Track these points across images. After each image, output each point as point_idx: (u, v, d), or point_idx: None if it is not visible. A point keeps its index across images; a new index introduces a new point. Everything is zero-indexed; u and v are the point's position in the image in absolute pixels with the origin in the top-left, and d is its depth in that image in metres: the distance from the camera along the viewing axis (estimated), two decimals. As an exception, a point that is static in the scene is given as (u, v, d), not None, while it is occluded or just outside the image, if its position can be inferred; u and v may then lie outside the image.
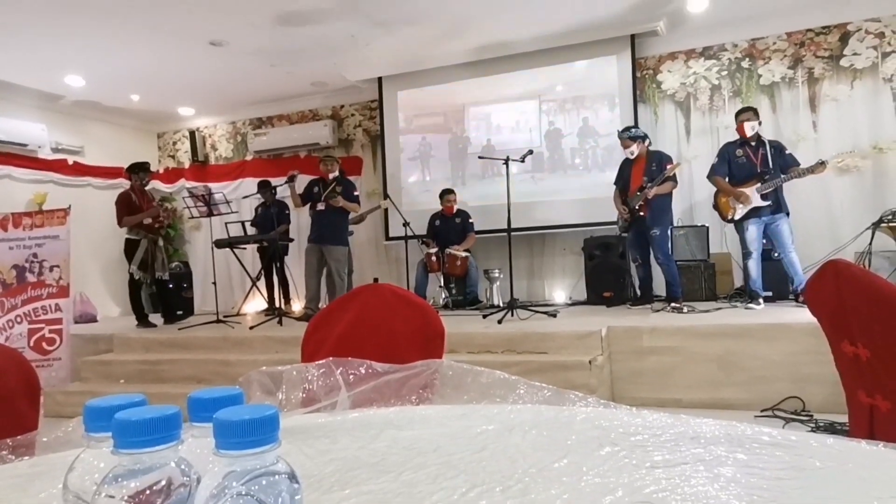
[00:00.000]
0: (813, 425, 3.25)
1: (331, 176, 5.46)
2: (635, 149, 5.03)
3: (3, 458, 0.74)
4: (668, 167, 4.89)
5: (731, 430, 0.68)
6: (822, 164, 4.48)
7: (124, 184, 7.66)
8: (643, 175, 4.98)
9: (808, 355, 3.47)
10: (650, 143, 5.23)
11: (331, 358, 0.80)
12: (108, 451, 0.33)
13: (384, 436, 0.74)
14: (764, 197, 4.62)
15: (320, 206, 5.39)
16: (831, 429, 3.12)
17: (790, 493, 0.51)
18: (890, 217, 4.92)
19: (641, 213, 4.99)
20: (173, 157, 8.77)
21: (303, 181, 5.94)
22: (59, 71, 6.32)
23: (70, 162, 7.49)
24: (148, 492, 0.32)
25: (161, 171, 8.56)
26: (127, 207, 5.71)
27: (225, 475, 0.31)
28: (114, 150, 8.04)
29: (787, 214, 4.73)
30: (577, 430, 0.72)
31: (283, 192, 6.06)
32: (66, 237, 5.28)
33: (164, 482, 0.32)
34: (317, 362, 0.80)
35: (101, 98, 7.35)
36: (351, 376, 0.79)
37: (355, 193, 5.64)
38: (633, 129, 5.20)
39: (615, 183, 5.30)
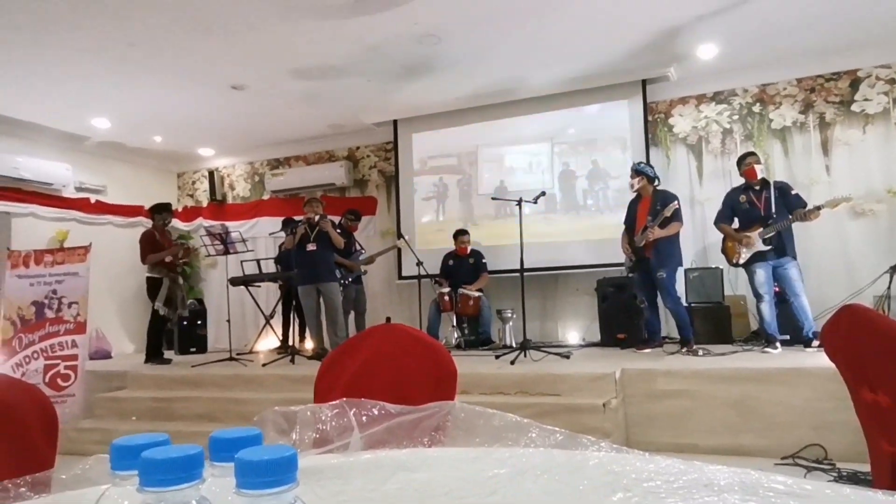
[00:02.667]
0: (836, 474, 3.15)
1: (316, 218, 5.53)
2: (636, 183, 5.03)
3: (22, 495, 0.75)
4: (667, 208, 4.80)
5: (745, 477, 0.68)
6: (816, 210, 4.48)
7: (144, 222, 7.84)
8: (647, 214, 4.96)
9: (830, 401, 3.39)
10: (658, 184, 5.20)
11: (344, 399, 0.81)
12: (133, 488, 0.34)
13: (396, 478, 0.74)
14: (766, 241, 4.60)
15: (311, 247, 5.45)
16: (854, 478, 3.03)
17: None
18: (908, 261, 4.87)
19: (646, 255, 4.94)
20: (192, 195, 8.95)
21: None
22: (86, 113, 6.55)
23: (92, 200, 7.68)
24: (171, 528, 0.33)
25: (179, 209, 8.73)
26: (151, 245, 5.83)
27: (245, 513, 0.32)
28: (135, 190, 8.24)
29: (795, 258, 4.68)
30: (588, 476, 0.72)
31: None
32: (86, 274, 5.37)
33: (186, 519, 0.33)
34: (330, 403, 0.81)
35: (125, 139, 7.58)
36: (364, 417, 0.80)
37: (338, 230, 5.71)
38: (642, 165, 5.17)
39: (624, 223, 5.30)
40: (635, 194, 5.13)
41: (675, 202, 4.83)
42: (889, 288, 5.12)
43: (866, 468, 2.05)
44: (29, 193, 6.84)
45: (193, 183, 8.96)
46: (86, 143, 7.45)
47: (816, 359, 3.90)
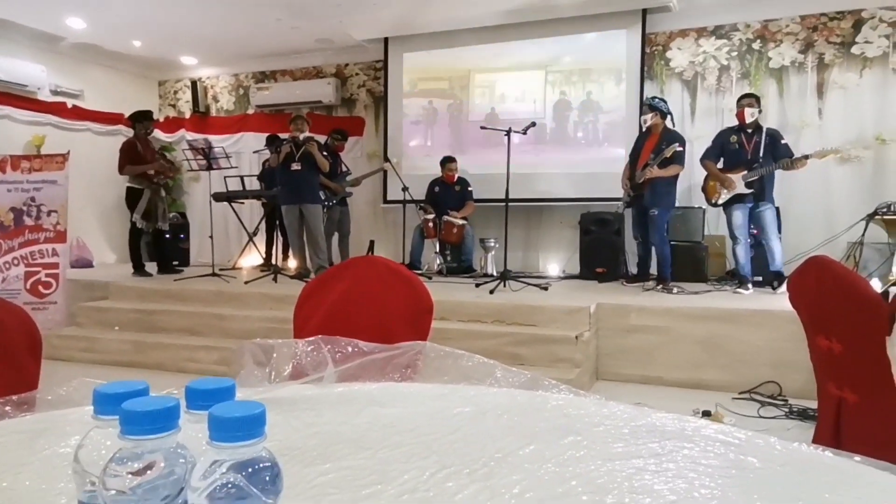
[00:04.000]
0: (787, 410, 3.35)
1: (301, 136, 5.43)
2: (649, 119, 4.96)
3: (7, 412, 0.79)
4: (668, 149, 4.82)
5: (684, 424, 0.73)
6: (804, 159, 4.50)
7: (124, 130, 7.64)
8: (651, 152, 4.95)
9: (789, 342, 3.54)
10: (671, 120, 5.11)
11: (320, 336, 0.84)
12: (114, 431, 0.38)
13: (366, 412, 0.79)
14: (748, 185, 4.64)
15: (295, 167, 5.37)
16: (804, 414, 3.23)
17: (727, 490, 0.56)
18: (885, 210, 4.96)
19: (643, 191, 4.97)
20: (174, 106, 8.69)
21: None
22: (60, 11, 6.22)
23: (69, 105, 7.43)
24: (149, 471, 0.36)
25: (161, 119, 8.49)
26: (131, 156, 5.72)
27: (216, 462, 0.35)
28: (114, 96, 7.97)
29: (773, 203, 4.75)
30: (545, 418, 0.77)
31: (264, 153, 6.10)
32: (65, 183, 5.28)
33: (163, 463, 0.37)
34: (307, 339, 0.85)
35: (102, 42, 7.25)
36: (338, 354, 0.84)
37: (324, 153, 5.62)
38: (655, 99, 5.08)
39: (629, 155, 5.26)
40: (645, 129, 5.07)
41: (679, 144, 4.80)
42: (863, 235, 5.23)
43: (815, 405, 2.20)
44: (2, 94, 6.60)
45: (175, 93, 8.67)
46: (61, 44, 7.12)
47: (781, 301, 4.03)
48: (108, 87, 7.92)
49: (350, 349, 0.85)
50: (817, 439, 2.11)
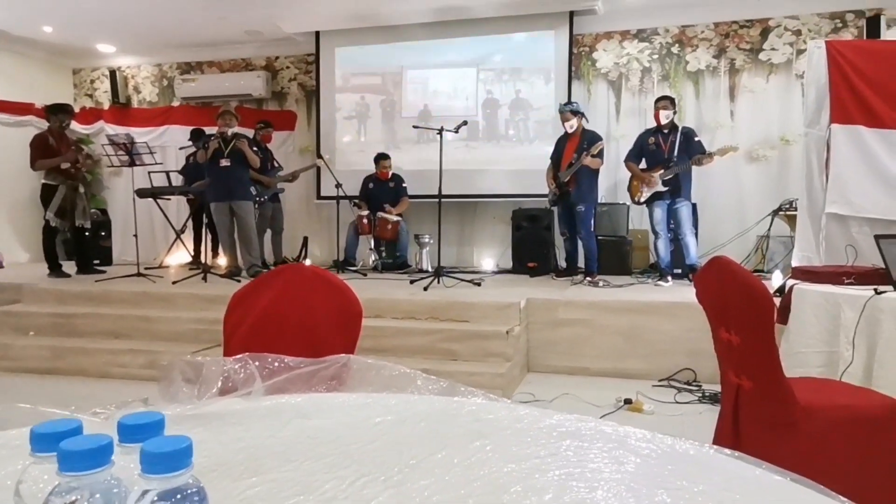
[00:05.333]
0: (700, 395, 3.61)
1: (230, 132, 5.33)
2: (575, 123, 5.19)
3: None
4: (596, 145, 5.06)
5: (581, 425, 0.83)
6: (709, 156, 4.84)
7: (36, 121, 7.20)
8: (574, 152, 5.17)
9: (703, 332, 3.74)
10: (587, 122, 5.39)
11: (247, 353, 0.88)
12: (51, 467, 0.42)
13: (292, 425, 0.84)
14: (665, 183, 4.94)
15: (224, 163, 5.28)
16: (715, 398, 3.49)
17: (608, 481, 0.65)
18: (787, 206, 5.38)
19: (569, 189, 5.19)
20: (90, 96, 8.26)
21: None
22: (-39, -6, 5.79)
23: (-27, 94, 6.94)
24: (85, 503, 0.41)
25: (77, 110, 8.05)
26: (42, 150, 5.40)
27: (146, 491, 0.40)
28: (23, 84, 7.50)
29: (689, 199, 5.07)
30: (459, 424, 0.85)
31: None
32: (-29, 179, 4.95)
33: (98, 495, 0.41)
34: (234, 357, 0.89)
35: (9, 27, 6.81)
36: (265, 370, 0.89)
37: (254, 149, 5.55)
38: (575, 104, 5.35)
39: (551, 157, 5.47)
40: (565, 132, 5.27)
41: (601, 142, 5.11)
42: (769, 229, 5.66)
43: (722, 392, 2.40)
44: None
45: (92, 82, 8.24)
46: (-39, 28, 6.63)
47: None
48: (16, 74, 7.45)
49: (277, 364, 0.90)
50: (720, 421, 2.32)
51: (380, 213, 6.08)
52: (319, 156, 6.62)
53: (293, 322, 1.56)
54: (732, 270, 2.00)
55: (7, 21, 6.59)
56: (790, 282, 3.09)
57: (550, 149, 5.55)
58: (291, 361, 0.90)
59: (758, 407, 1.99)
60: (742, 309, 1.95)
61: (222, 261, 6.00)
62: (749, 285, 1.90)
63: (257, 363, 0.88)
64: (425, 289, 4.55)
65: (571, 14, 6.20)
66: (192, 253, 6.62)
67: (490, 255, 6.66)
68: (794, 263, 3.98)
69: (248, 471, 0.69)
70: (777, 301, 2.93)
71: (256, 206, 5.83)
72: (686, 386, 3.79)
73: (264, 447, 0.76)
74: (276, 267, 1.58)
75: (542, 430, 0.81)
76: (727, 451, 0.75)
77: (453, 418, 0.87)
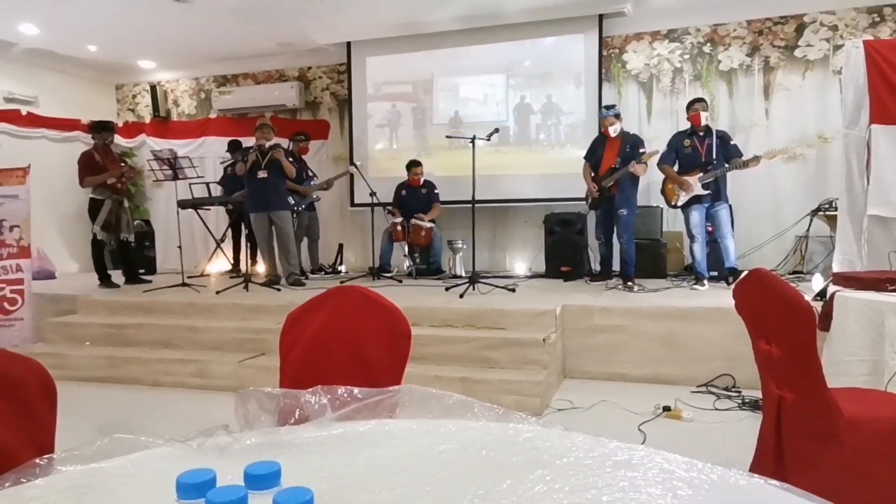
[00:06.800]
0: (740, 401, 3.59)
1: (267, 144, 5.49)
2: (619, 127, 5.19)
3: (45, 470, 0.88)
4: (646, 153, 5.02)
5: (632, 454, 0.88)
6: (756, 159, 4.76)
7: (82, 137, 7.51)
8: (616, 156, 5.16)
9: (741, 337, 3.74)
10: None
11: (319, 387, 0.96)
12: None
13: (364, 453, 0.91)
14: (705, 186, 4.90)
15: (262, 174, 5.43)
16: (755, 405, 3.46)
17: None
18: (827, 206, 5.28)
19: (612, 193, 5.18)
20: (133, 110, 8.56)
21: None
22: (12, 18, 6.08)
23: (24, 112, 7.27)
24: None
25: (120, 125, 8.36)
26: (90, 167, 5.65)
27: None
28: (69, 102, 7.82)
29: (727, 202, 5.02)
30: (518, 452, 0.91)
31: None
32: (26, 196, 5.21)
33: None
34: (308, 390, 0.97)
35: (56, 47, 7.11)
36: (337, 402, 0.96)
37: (289, 159, 5.69)
38: (616, 107, 5.33)
39: (585, 158, 5.45)
40: (600, 133, 5.27)
41: (654, 150, 5.07)
42: (808, 230, 5.57)
43: (764, 398, 2.40)
44: (-47, 104, 6.43)
45: (134, 97, 8.53)
46: (13, 49, 6.95)
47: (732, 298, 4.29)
48: (63, 92, 7.76)
49: (346, 395, 0.98)
50: (763, 432, 2.32)
51: (413, 220, 6.17)
52: (352, 162, 6.75)
53: (344, 342, 1.64)
54: (770, 282, 2.01)
55: (55, 42, 6.89)
56: (831, 288, 3.06)
57: (582, 152, 5.56)
58: (360, 393, 0.97)
59: (800, 419, 2.00)
60: (782, 322, 1.97)
61: (261, 268, 6.17)
62: (788, 300, 1.91)
63: (329, 396, 0.95)
64: (461, 296, 4.61)
65: (601, 17, 6.19)
66: (232, 261, 6.81)
67: (522, 260, 6.69)
68: (835, 267, 3.93)
69: (336, 500, 0.76)
70: (818, 306, 2.92)
71: (294, 215, 5.98)
72: (725, 392, 3.77)
73: (342, 476, 0.84)
74: (326, 290, 1.67)
75: (597, 458, 0.87)
76: (775, 482, 0.79)
77: (511, 446, 0.93)
